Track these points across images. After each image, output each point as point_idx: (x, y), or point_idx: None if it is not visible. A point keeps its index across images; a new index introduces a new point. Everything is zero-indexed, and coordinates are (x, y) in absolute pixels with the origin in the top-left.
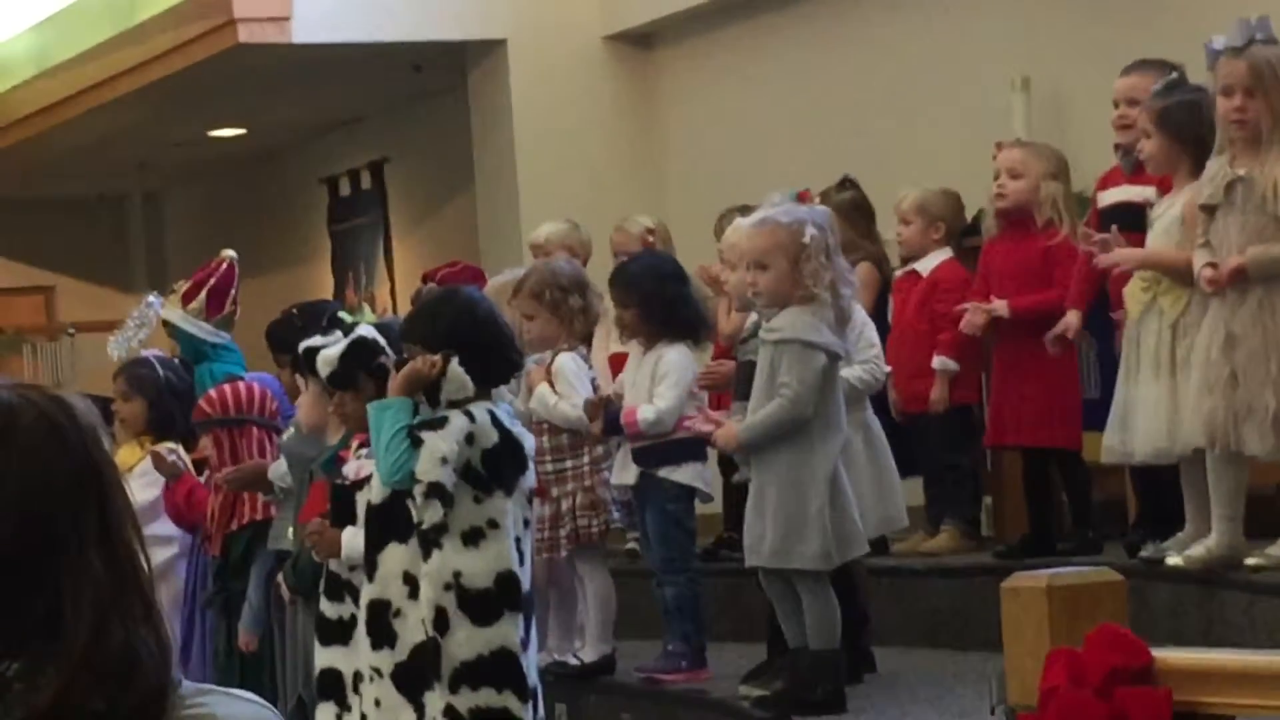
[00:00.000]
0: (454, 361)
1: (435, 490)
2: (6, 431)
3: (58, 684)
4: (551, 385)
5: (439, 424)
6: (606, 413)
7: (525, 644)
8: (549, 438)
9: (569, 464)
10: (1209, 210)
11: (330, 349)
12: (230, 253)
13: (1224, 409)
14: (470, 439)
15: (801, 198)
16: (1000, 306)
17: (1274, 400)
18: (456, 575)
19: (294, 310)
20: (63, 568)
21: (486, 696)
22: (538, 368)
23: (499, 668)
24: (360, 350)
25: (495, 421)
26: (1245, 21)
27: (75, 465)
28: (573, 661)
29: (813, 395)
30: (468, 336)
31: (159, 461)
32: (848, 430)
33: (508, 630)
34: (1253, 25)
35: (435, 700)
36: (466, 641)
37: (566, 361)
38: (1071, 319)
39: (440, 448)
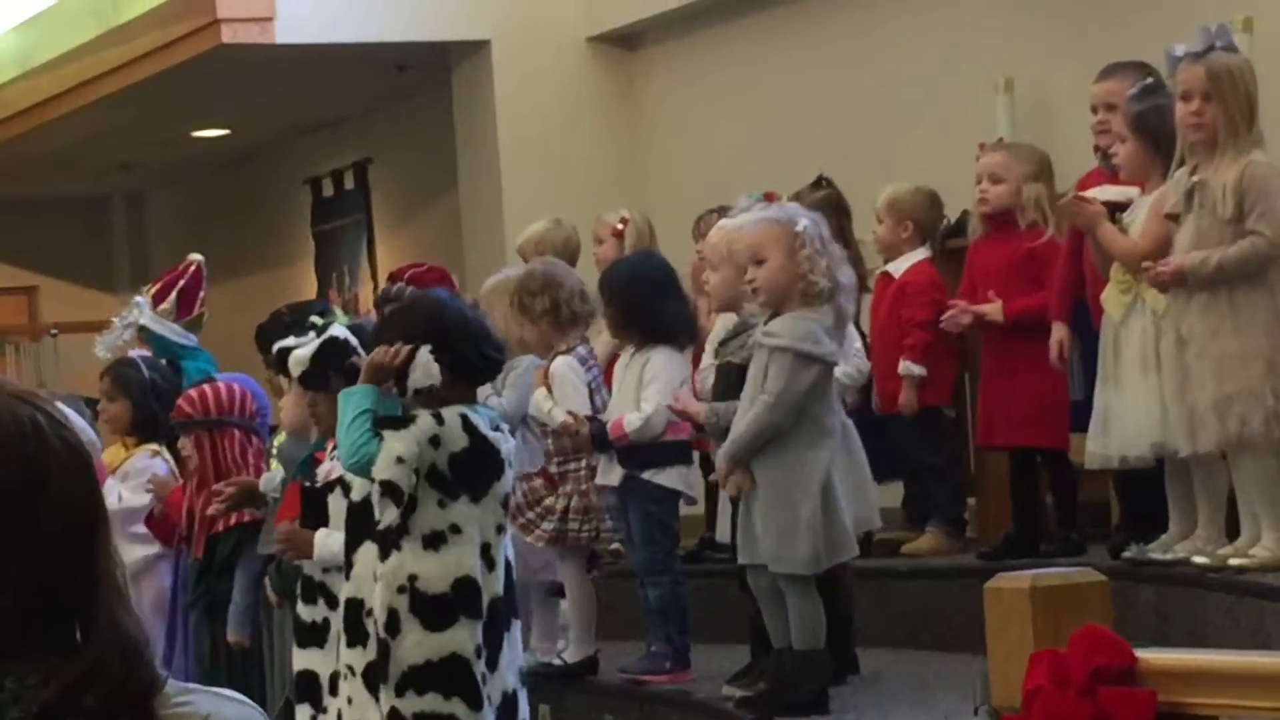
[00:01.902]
0: (423, 350)
1: (388, 489)
2: (39, 441)
3: (67, 680)
4: (549, 389)
5: (404, 423)
6: (593, 432)
7: (491, 650)
8: (554, 440)
9: (570, 467)
10: (1175, 219)
11: (301, 349)
12: (198, 256)
13: (1176, 411)
14: (435, 441)
15: (768, 198)
16: (994, 309)
17: (1215, 399)
18: (412, 578)
19: (284, 310)
20: (79, 563)
21: (432, 702)
22: (539, 371)
23: (448, 674)
24: (332, 350)
25: (467, 425)
26: (1206, 29)
27: (79, 464)
28: (556, 662)
29: (795, 404)
30: (439, 338)
31: (158, 486)
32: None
33: (462, 637)
34: (1213, 33)
35: (384, 703)
36: (416, 646)
37: (561, 366)
38: (1059, 333)
39: (396, 447)
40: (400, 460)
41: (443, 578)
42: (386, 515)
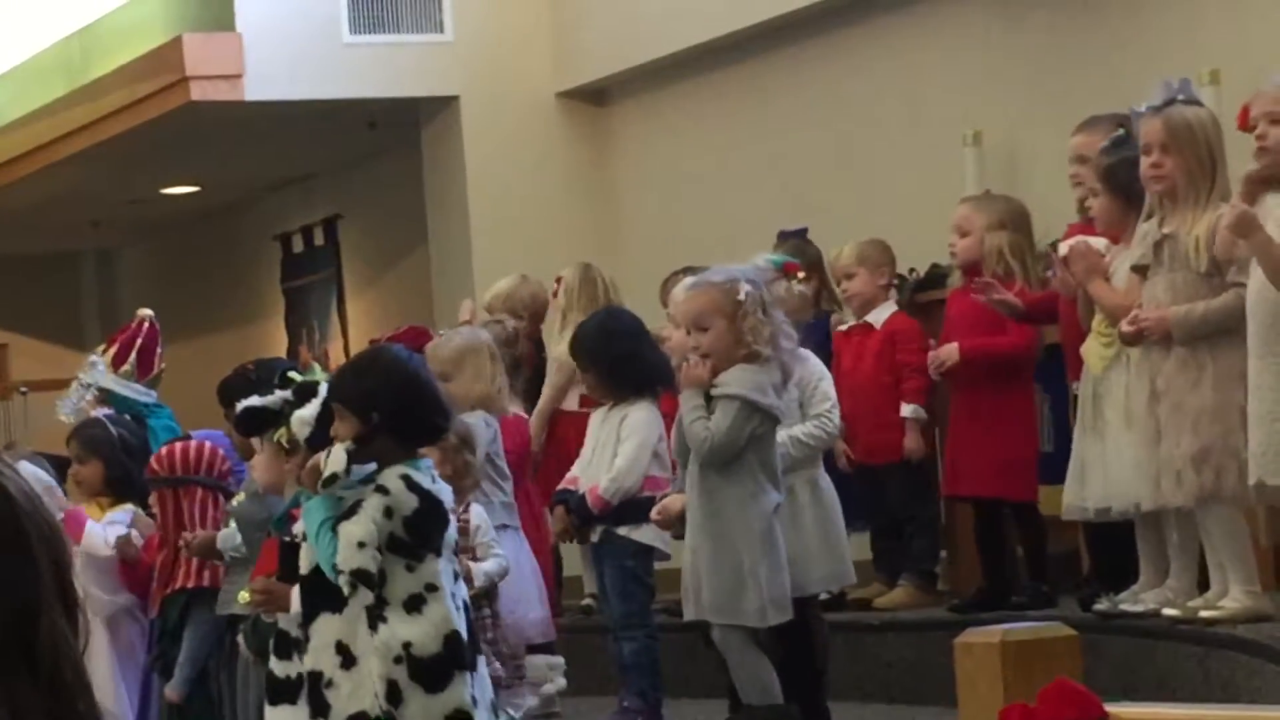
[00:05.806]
0: (338, 448)
1: (359, 576)
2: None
3: None
4: None
5: (353, 510)
6: (572, 506)
7: (475, 700)
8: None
9: None
10: (1141, 271)
11: (305, 410)
12: (148, 311)
13: (1151, 463)
14: (388, 512)
15: (788, 270)
16: (949, 351)
17: (1193, 451)
18: (406, 646)
19: (249, 366)
20: (38, 632)
21: None
22: None
23: None
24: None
25: (411, 484)
26: (1168, 82)
27: (37, 525)
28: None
29: (733, 450)
30: (390, 398)
31: (125, 549)
32: (795, 487)
33: (460, 691)
34: (1174, 86)
35: None
36: (421, 712)
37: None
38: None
39: (355, 532)
40: (362, 545)
41: (434, 637)
42: (361, 598)
